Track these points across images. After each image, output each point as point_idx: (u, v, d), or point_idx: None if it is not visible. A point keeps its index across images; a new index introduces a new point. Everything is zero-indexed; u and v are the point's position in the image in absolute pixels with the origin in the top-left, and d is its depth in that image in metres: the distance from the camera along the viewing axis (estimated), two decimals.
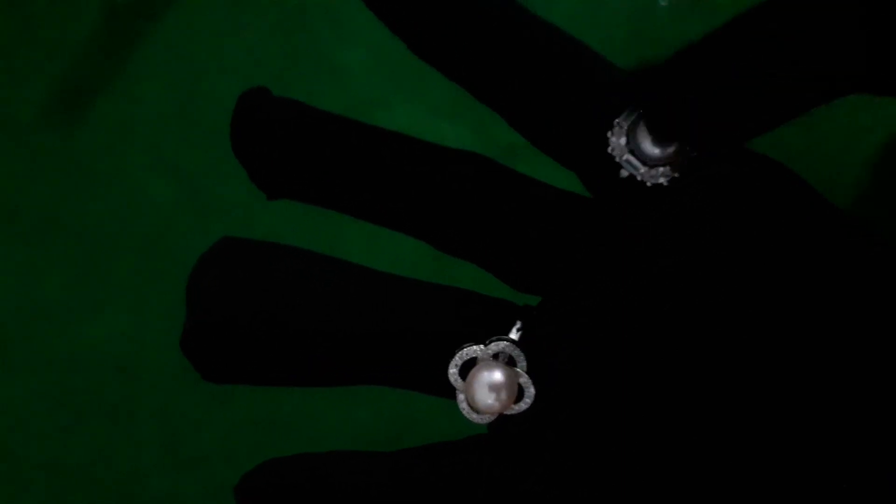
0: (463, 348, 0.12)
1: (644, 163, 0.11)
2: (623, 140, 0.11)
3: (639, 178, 0.11)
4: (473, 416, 0.11)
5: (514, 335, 0.11)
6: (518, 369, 0.11)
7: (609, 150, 0.11)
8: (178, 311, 0.78)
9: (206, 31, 0.87)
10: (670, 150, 0.11)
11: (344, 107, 0.82)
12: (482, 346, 0.12)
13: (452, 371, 0.12)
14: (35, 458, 0.77)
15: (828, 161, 0.86)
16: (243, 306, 0.11)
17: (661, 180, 0.11)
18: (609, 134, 0.11)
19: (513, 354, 0.11)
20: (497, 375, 0.11)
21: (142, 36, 0.88)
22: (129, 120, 0.85)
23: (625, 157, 0.11)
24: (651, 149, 0.11)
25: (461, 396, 0.11)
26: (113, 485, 0.77)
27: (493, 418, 0.11)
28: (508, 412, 0.11)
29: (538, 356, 0.11)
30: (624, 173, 0.11)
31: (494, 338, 0.12)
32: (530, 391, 0.11)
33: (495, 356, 0.11)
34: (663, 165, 0.11)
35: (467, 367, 0.11)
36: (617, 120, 0.11)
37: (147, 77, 0.86)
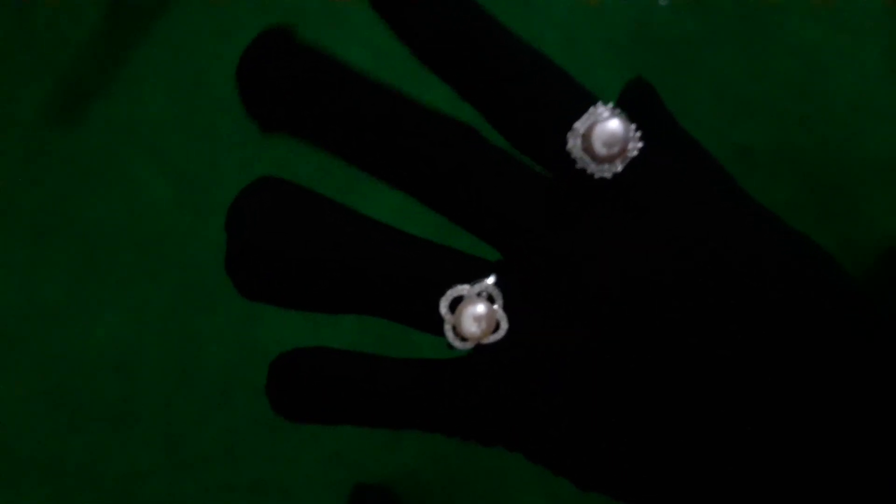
0: (454, 286, 0.15)
1: (593, 160, 0.14)
2: (579, 142, 0.14)
3: (589, 171, 0.14)
4: (457, 343, 0.15)
5: (490, 280, 0.15)
6: (496, 306, 0.15)
7: (567, 148, 0.14)
8: (178, 311, 0.78)
9: (206, 31, 0.87)
10: (615, 150, 0.14)
11: None
12: (469, 286, 0.15)
13: (444, 305, 0.15)
14: (35, 458, 0.77)
15: (828, 161, 0.86)
16: (279, 234, 0.14)
17: (607, 174, 0.14)
18: (568, 136, 0.14)
19: (493, 294, 0.15)
20: (480, 308, 0.15)
21: (142, 36, 0.88)
22: (129, 120, 0.85)
23: (580, 155, 0.14)
24: (600, 149, 0.14)
25: (448, 326, 0.15)
26: (113, 485, 0.77)
27: (472, 346, 0.15)
28: (485, 341, 0.15)
29: (512, 297, 0.15)
30: (579, 165, 0.14)
31: (478, 280, 0.15)
32: (504, 324, 0.15)
33: (478, 294, 0.15)
34: (609, 162, 0.14)
35: (454, 304, 0.15)
36: (575, 125, 0.14)
37: (147, 77, 0.86)
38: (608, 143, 0.14)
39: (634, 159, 0.14)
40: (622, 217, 0.15)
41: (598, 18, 0.90)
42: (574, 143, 0.14)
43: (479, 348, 0.15)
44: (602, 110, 0.14)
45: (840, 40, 0.87)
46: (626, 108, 0.16)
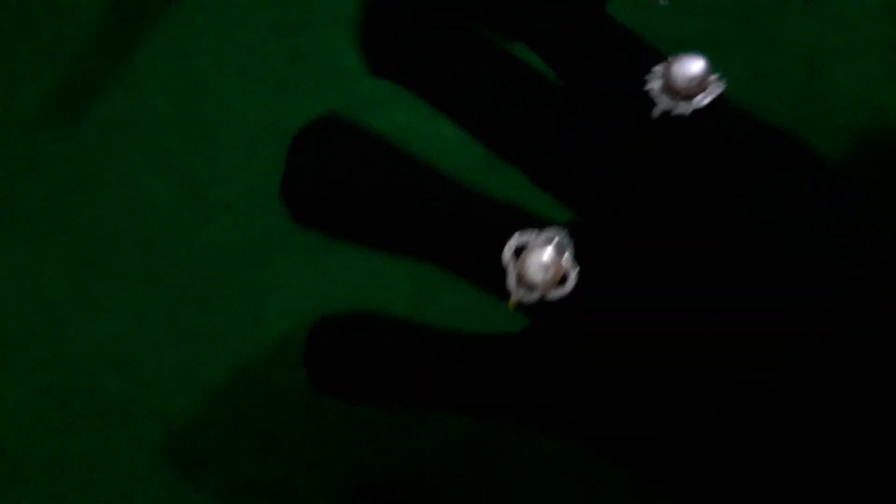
0: (522, 230, 0.14)
1: (673, 97, 0.14)
2: (658, 83, 0.14)
3: (668, 109, 0.14)
4: (519, 293, 0.14)
5: (561, 230, 0.14)
6: (566, 255, 0.14)
7: (647, 88, 0.14)
8: (178, 310, 0.78)
9: (206, 31, 0.87)
10: (695, 82, 0.14)
11: (344, 106, 0.82)
12: (537, 231, 0.14)
13: (509, 249, 0.14)
14: (35, 458, 0.77)
15: (828, 161, 0.86)
16: (340, 160, 0.14)
17: (686, 111, 0.14)
18: (647, 78, 0.14)
19: (563, 242, 0.14)
20: (548, 255, 0.13)
21: (142, 36, 0.88)
22: (129, 120, 0.85)
23: (660, 94, 0.14)
24: (682, 83, 0.14)
25: (512, 274, 0.14)
26: (113, 485, 0.77)
27: (535, 297, 0.14)
28: (549, 296, 0.14)
29: (584, 248, 0.14)
30: (657, 111, 0.14)
31: (548, 227, 0.14)
32: (573, 276, 0.14)
33: (546, 241, 0.14)
34: (689, 99, 0.14)
35: (519, 253, 0.14)
36: (655, 68, 0.14)
37: (147, 77, 0.86)
38: (689, 77, 0.14)
39: (716, 100, 0.14)
40: (707, 166, 0.14)
41: None
42: (654, 85, 0.14)
43: (541, 308, 0.14)
44: (682, 53, 0.14)
45: (840, 40, 0.87)
46: None
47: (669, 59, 0.14)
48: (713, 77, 0.14)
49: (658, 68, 0.14)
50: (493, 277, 0.14)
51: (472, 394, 0.14)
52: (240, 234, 0.80)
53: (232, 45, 0.86)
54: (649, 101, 0.14)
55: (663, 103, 0.14)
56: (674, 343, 0.13)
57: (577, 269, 0.14)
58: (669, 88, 0.14)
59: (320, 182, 0.14)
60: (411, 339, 0.14)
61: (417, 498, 0.75)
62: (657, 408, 0.13)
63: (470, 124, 0.14)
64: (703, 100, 0.14)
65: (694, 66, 0.14)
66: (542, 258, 0.13)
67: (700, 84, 0.14)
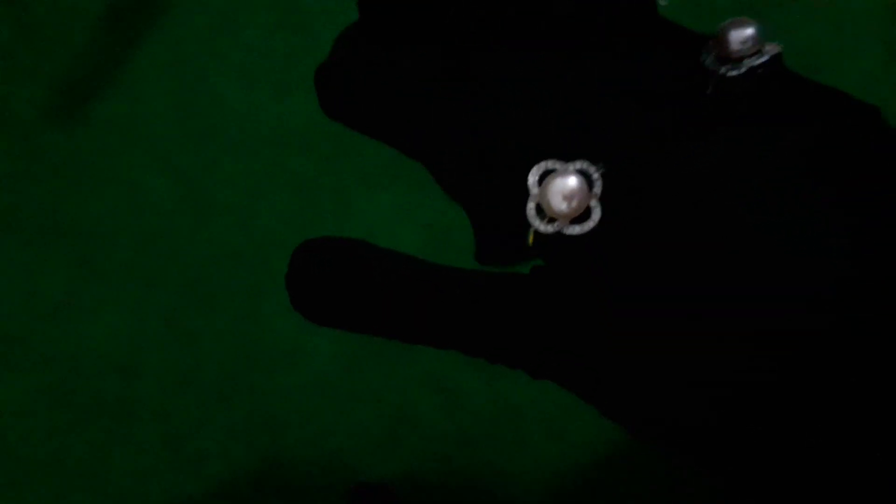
0: (548, 161, 0.12)
1: (727, 58, 0.13)
2: (712, 57, 0.13)
3: (721, 71, 0.13)
4: (536, 223, 0.12)
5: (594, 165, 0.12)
6: (594, 190, 0.12)
7: (701, 59, 0.13)
8: (178, 310, 0.78)
9: (206, 31, 0.87)
10: (748, 44, 0.13)
11: None
12: (564, 162, 0.12)
13: (533, 176, 0.12)
14: (35, 458, 0.77)
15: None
16: (379, 65, 0.13)
17: (741, 70, 0.13)
18: (703, 51, 0.13)
19: (593, 177, 0.12)
20: (573, 182, 0.12)
21: (142, 36, 0.88)
22: (129, 120, 0.85)
23: (713, 62, 0.13)
24: (735, 45, 0.13)
25: (532, 203, 0.12)
26: (113, 485, 0.77)
27: (554, 229, 0.12)
28: (569, 231, 0.12)
29: (615, 192, 0.12)
30: (713, 82, 0.13)
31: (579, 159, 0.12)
32: (597, 212, 0.12)
33: (575, 171, 0.12)
34: (740, 61, 0.13)
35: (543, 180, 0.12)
36: (710, 41, 0.14)
37: (147, 77, 0.86)
38: (741, 39, 0.13)
39: (772, 61, 0.13)
40: (708, 165, 0.13)
41: None
42: (709, 57, 0.13)
43: (558, 243, 0.12)
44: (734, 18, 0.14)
45: (840, 40, 0.87)
46: None
47: (719, 28, 0.13)
48: (766, 44, 0.13)
49: (712, 42, 0.13)
50: (512, 209, 0.13)
51: (470, 330, 0.13)
52: (240, 234, 0.80)
53: (232, 45, 0.86)
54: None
55: (717, 68, 0.13)
56: (672, 343, 0.12)
57: (601, 210, 0.12)
58: (722, 53, 0.13)
59: (355, 75, 0.13)
60: (406, 268, 0.13)
61: (415, 498, 0.75)
62: (657, 408, 0.13)
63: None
64: (756, 60, 0.13)
65: (747, 27, 0.13)
66: (567, 184, 0.12)
67: (752, 45, 0.13)
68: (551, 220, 0.12)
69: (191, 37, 0.87)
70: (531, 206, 0.12)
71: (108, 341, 0.80)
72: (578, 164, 0.12)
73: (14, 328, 0.81)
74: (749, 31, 0.13)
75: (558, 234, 0.12)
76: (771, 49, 0.13)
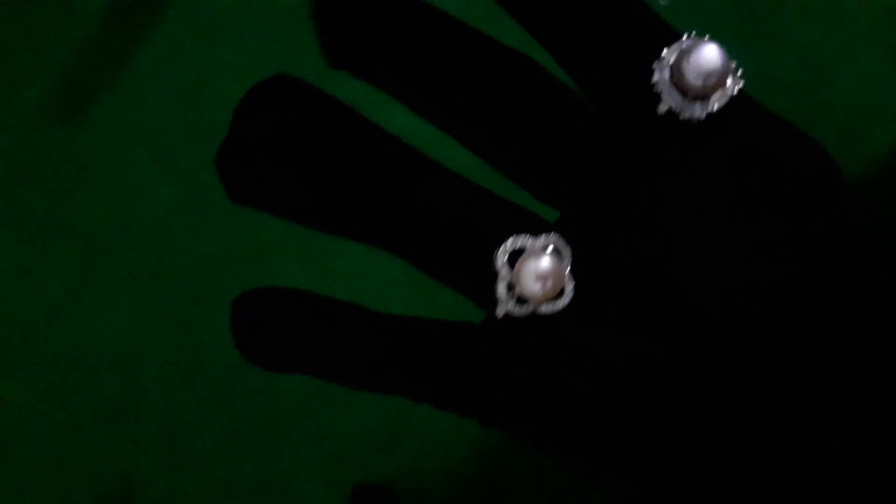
0: (515, 236, 0.12)
1: (684, 94, 0.11)
2: (667, 73, 0.11)
3: (677, 110, 0.11)
4: (511, 307, 0.12)
5: (558, 237, 0.12)
6: (565, 265, 0.12)
7: (653, 80, 0.11)
8: (178, 310, 0.78)
9: (206, 31, 0.87)
10: (711, 81, 0.11)
11: None
12: (532, 237, 0.12)
13: (501, 257, 0.12)
14: (35, 458, 0.77)
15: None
16: (291, 131, 0.12)
17: (698, 114, 0.11)
18: (654, 67, 0.12)
19: (561, 250, 0.12)
20: (546, 263, 0.11)
21: (142, 36, 0.88)
22: (129, 120, 0.85)
23: (666, 89, 0.11)
24: (693, 80, 0.11)
25: (502, 284, 0.12)
26: (113, 485, 0.77)
27: (528, 311, 0.12)
28: (543, 310, 0.12)
29: (584, 254, 0.12)
30: (663, 108, 0.11)
31: (544, 233, 0.12)
32: (569, 290, 0.12)
33: (544, 248, 0.12)
34: (702, 99, 0.11)
35: (513, 259, 0.12)
36: (663, 54, 0.12)
37: (147, 77, 0.86)
38: (703, 74, 0.11)
39: (732, 100, 0.11)
40: (716, 176, 0.11)
41: None
42: (661, 76, 0.11)
43: (531, 319, 0.12)
44: (695, 40, 0.12)
45: (840, 40, 0.87)
46: None
47: (683, 43, 0.11)
48: (733, 73, 0.12)
49: (667, 55, 0.12)
50: (475, 285, 0.12)
51: (416, 378, 0.12)
52: (240, 234, 0.80)
53: (232, 45, 0.86)
54: (653, 95, 0.12)
55: (671, 100, 0.11)
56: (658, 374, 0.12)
57: (573, 283, 0.12)
58: (679, 83, 0.11)
59: (261, 152, 0.12)
60: (350, 315, 0.13)
61: (415, 498, 0.75)
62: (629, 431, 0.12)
63: (441, 123, 0.12)
64: (717, 102, 0.11)
65: (708, 59, 0.11)
66: (540, 266, 0.11)
67: (716, 82, 0.11)
68: (521, 300, 0.12)
69: (191, 37, 0.87)
70: (501, 289, 0.12)
71: (108, 341, 0.80)
72: (545, 239, 0.12)
73: (14, 328, 0.81)
74: (711, 67, 0.11)
75: (531, 315, 0.12)
76: (732, 85, 0.12)
